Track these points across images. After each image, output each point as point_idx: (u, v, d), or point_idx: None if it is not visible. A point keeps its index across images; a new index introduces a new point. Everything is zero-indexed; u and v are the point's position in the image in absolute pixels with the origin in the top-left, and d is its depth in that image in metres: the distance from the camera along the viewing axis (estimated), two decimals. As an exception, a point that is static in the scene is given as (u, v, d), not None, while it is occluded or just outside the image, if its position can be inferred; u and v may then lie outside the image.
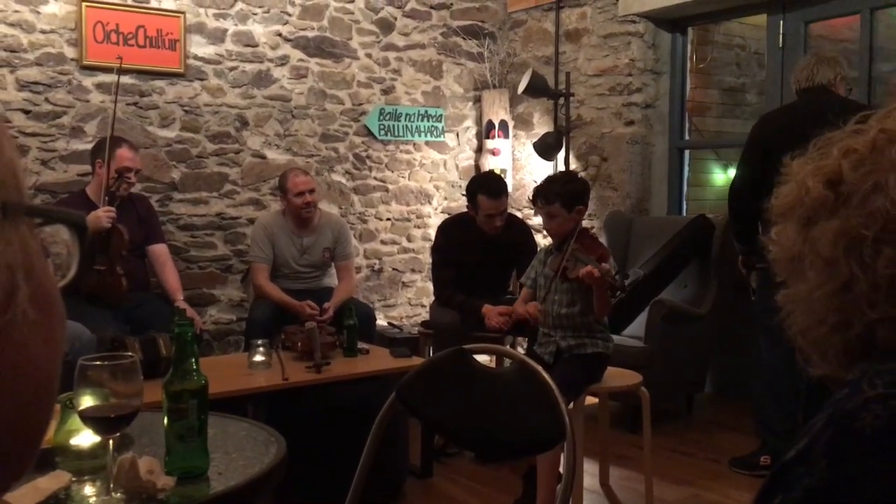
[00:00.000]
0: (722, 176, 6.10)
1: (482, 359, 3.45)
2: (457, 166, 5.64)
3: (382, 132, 5.28)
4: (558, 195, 3.08)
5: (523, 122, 5.61)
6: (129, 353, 1.92)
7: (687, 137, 5.14)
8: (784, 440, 3.42)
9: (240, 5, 4.74)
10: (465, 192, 4.22)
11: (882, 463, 0.68)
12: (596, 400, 3.40)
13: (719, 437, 4.07)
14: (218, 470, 1.45)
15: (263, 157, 4.86)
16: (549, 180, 3.25)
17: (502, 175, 5.10)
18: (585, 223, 3.38)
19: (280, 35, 4.89)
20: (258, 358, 3.19)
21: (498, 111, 5.60)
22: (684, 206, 5.11)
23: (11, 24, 4.13)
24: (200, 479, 1.41)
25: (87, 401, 1.27)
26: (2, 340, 0.32)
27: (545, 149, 4.86)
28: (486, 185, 4.01)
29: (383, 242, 5.39)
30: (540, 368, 1.64)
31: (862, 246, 0.76)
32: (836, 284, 0.78)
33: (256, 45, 4.81)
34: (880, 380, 0.73)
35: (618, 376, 3.24)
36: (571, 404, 2.99)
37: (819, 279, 0.79)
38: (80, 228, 0.37)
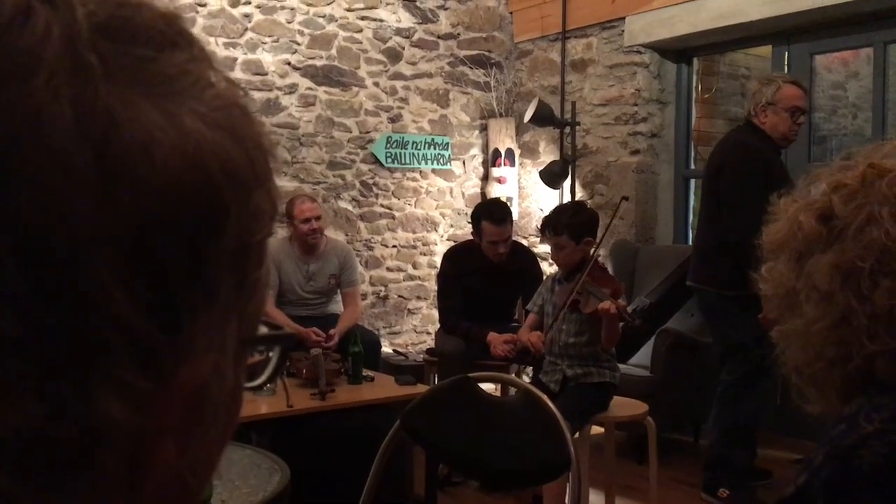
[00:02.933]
0: (728, 205, 6.09)
1: (487, 387, 3.43)
2: (463, 194, 5.66)
3: (389, 160, 5.31)
4: (566, 227, 3.08)
5: (529, 151, 5.64)
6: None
7: (692, 166, 5.15)
8: None
9: (249, 34, 4.79)
10: (470, 220, 4.24)
11: (879, 501, 0.67)
12: (602, 429, 3.38)
13: (726, 467, 4.02)
14: (221, 498, 1.44)
15: (271, 183, 4.89)
16: (558, 211, 3.26)
17: (508, 203, 5.12)
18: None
19: (289, 64, 4.94)
20: (263, 384, 3.18)
21: (504, 139, 5.63)
22: (690, 235, 5.11)
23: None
24: (204, 507, 1.40)
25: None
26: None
27: (551, 177, 4.87)
28: (489, 212, 4.02)
29: (389, 269, 5.39)
30: (545, 397, 1.64)
31: (859, 278, 0.76)
32: (833, 317, 0.78)
33: (265, 74, 4.86)
34: (878, 415, 0.73)
35: (624, 406, 3.23)
36: (577, 433, 2.98)
37: (816, 313, 0.79)
38: (288, 349, 0.43)
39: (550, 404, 1.60)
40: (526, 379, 3.90)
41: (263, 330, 0.40)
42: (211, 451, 0.36)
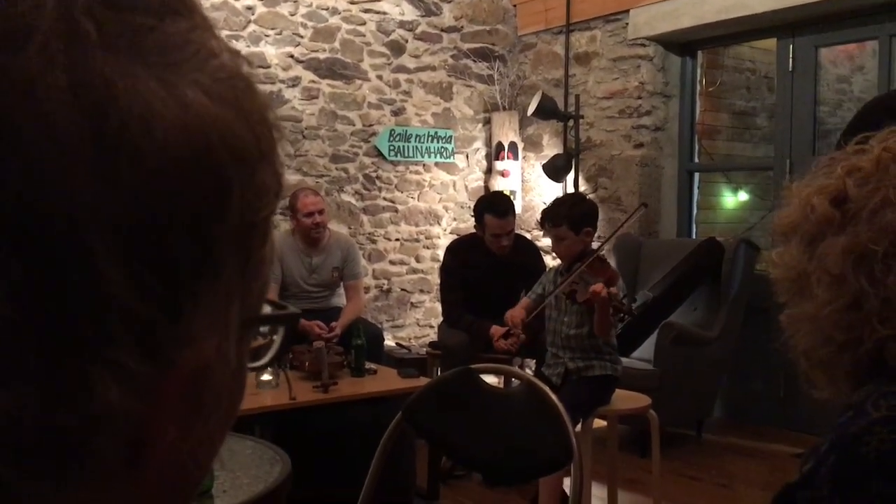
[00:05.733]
0: (731, 199, 6.09)
1: (490, 380, 3.43)
2: (466, 187, 5.66)
3: (392, 153, 5.30)
4: (565, 217, 3.08)
5: (533, 144, 5.63)
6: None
7: (696, 160, 5.14)
8: None
9: (252, 27, 4.78)
10: (473, 213, 4.23)
11: (887, 487, 0.67)
12: (604, 423, 3.38)
13: (729, 461, 4.03)
14: (223, 488, 1.44)
15: (274, 176, 4.88)
16: (557, 203, 3.25)
17: (511, 196, 5.11)
18: (594, 245, 3.38)
19: (292, 56, 4.93)
20: (265, 377, 3.19)
21: (507, 133, 5.62)
22: (694, 229, 5.10)
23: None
24: (204, 497, 1.40)
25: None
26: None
27: (554, 171, 4.86)
28: (492, 205, 4.02)
29: (392, 263, 5.39)
30: (547, 389, 1.63)
31: (872, 261, 0.75)
32: (845, 301, 0.77)
33: (268, 67, 4.85)
34: (885, 402, 0.72)
35: (627, 399, 3.22)
36: (579, 426, 2.98)
37: (827, 296, 0.79)
38: (292, 326, 0.41)
39: (553, 396, 1.60)
40: (528, 372, 3.90)
41: (267, 310, 0.39)
42: (213, 435, 0.35)
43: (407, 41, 5.37)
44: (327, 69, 5.06)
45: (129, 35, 0.29)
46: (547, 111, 4.79)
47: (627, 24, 4.94)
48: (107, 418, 0.29)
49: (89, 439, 0.29)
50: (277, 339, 0.40)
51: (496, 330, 3.87)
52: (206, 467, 0.36)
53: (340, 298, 4.39)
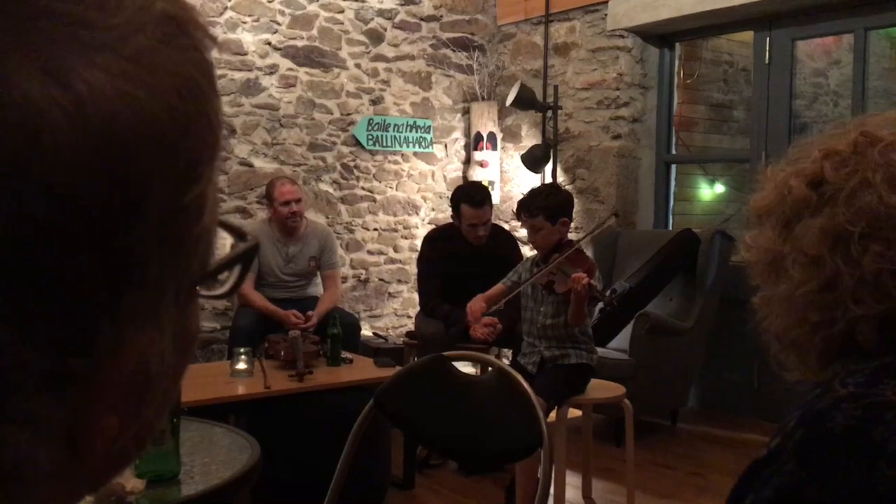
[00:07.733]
0: (708, 191, 6.13)
1: (470, 369, 3.43)
2: (445, 177, 5.64)
3: (371, 142, 5.28)
4: (541, 208, 3.08)
5: (511, 135, 5.63)
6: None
7: (674, 152, 5.16)
8: None
9: (229, 14, 4.74)
10: (450, 203, 4.22)
11: (851, 463, 0.67)
12: (579, 412, 3.39)
13: (703, 450, 4.06)
14: (190, 474, 1.43)
15: (251, 165, 4.85)
16: (533, 193, 3.25)
17: (490, 187, 5.11)
18: (571, 235, 3.39)
19: (269, 44, 4.89)
20: (241, 366, 3.17)
21: (486, 123, 5.62)
22: (670, 220, 5.13)
23: None
24: (171, 483, 1.39)
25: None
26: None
27: (533, 161, 4.87)
28: (468, 195, 4.01)
29: (370, 253, 5.38)
30: (519, 376, 1.63)
31: (849, 242, 0.76)
32: (820, 282, 0.78)
33: (245, 54, 4.80)
34: (852, 379, 0.73)
35: (602, 388, 3.24)
36: (554, 413, 2.99)
37: (803, 277, 0.79)
38: (249, 253, 0.37)
39: (524, 383, 1.60)
40: (506, 361, 3.91)
41: (225, 248, 0.35)
42: (155, 414, 0.34)
43: (386, 30, 5.34)
44: (305, 57, 5.02)
45: (14, 21, 0.25)
46: (525, 102, 4.79)
47: (606, 15, 4.94)
48: (24, 466, 0.27)
49: (10, 480, 0.27)
50: (235, 271, 0.36)
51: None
52: (146, 444, 0.35)
53: (317, 288, 4.38)
